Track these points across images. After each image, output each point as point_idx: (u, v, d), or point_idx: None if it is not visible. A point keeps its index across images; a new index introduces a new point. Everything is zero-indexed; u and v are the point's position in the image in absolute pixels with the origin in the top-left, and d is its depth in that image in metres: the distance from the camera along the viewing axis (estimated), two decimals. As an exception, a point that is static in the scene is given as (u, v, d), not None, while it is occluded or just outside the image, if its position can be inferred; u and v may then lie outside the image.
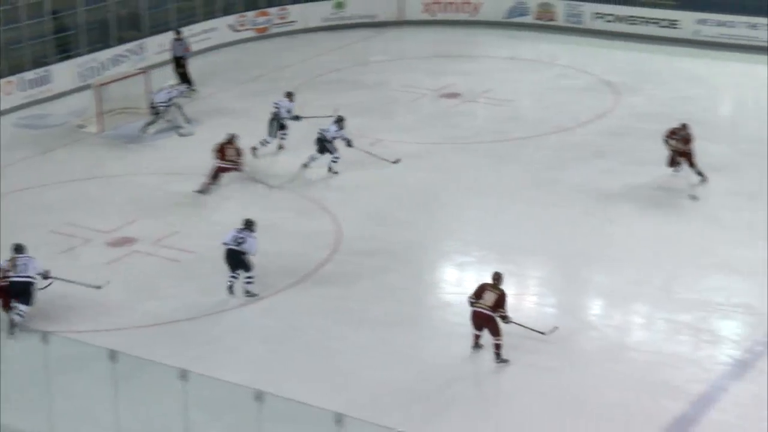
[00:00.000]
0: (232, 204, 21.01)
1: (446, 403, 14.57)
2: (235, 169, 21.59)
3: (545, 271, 18.09)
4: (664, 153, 21.48)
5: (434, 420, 13.98)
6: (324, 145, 22.18)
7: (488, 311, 15.35)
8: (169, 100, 24.73)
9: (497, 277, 15.64)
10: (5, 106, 26.14)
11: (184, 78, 27.58)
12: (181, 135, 24.65)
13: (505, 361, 15.34)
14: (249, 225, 17.55)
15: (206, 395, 13.16)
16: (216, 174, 21.44)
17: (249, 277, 17.42)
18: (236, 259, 17.35)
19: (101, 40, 29.31)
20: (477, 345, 15.68)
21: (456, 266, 18.85)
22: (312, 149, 22.16)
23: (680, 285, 17.45)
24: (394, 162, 22.61)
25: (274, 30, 33.06)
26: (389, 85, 28.27)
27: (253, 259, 17.32)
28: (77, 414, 13.76)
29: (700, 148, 21.41)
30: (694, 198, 20.60)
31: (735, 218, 19.79)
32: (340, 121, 22.34)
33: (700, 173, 21.21)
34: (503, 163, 22.83)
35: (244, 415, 12.62)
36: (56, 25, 28.12)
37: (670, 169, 21.32)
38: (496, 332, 15.41)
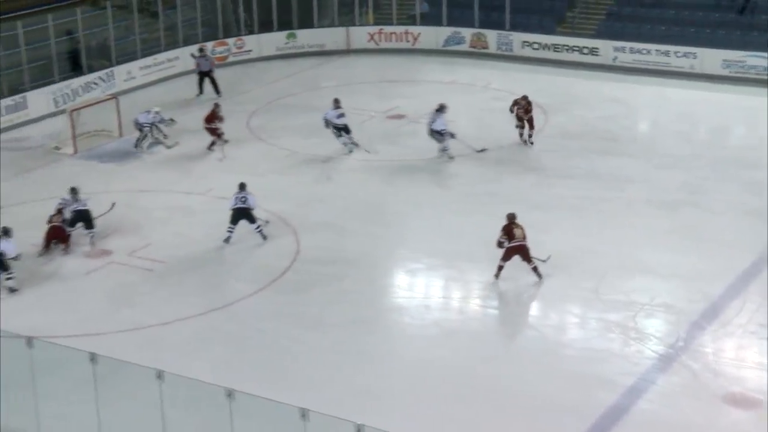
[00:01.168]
0: (197, 218, 20.85)
1: (398, 399, 14.57)
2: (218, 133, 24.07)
3: (486, 276, 18.16)
4: (589, 166, 21.68)
5: (389, 416, 13.89)
6: (436, 136, 23.33)
7: (524, 242, 17.37)
8: (152, 123, 24.60)
9: (513, 216, 17.62)
10: (-17, 129, 25.74)
11: (215, 89, 28.90)
12: (168, 147, 24.71)
13: (541, 276, 17.57)
14: (244, 186, 19.53)
15: (181, 394, 13.00)
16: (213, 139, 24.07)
17: (259, 227, 19.50)
18: (244, 214, 19.33)
19: (73, 69, 28.95)
20: (498, 276, 17.66)
21: (407, 272, 18.81)
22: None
23: (608, 287, 17.58)
24: (480, 151, 23.82)
25: (232, 59, 32.85)
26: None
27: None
28: (61, 413, 13.52)
29: (619, 162, 21.62)
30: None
31: (653, 225, 20.02)
32: (441, 109, 23.42)
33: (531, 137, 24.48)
34: (444, 178, 22.90)
35: (217, 411, 12.50)
36: (31, 56, 27.68)
37: (517, 129, 24.44)
38: (529, 258, 17.43)
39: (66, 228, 19.42)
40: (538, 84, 29.46)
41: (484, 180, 22.58)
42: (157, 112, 24.91)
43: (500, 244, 17.53)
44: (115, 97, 26.62)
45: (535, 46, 32.32)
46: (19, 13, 28.71)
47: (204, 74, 29.28)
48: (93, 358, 12.90)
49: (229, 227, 19.44)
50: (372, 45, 34.08)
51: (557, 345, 16.02)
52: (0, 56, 27.03)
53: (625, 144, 24.70)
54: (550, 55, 32.02)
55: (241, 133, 25.86)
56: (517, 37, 32.56)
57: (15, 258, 17.96)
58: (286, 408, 11.92)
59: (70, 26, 28.92)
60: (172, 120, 25.36)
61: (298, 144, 24.64)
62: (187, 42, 31.92)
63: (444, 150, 23.56)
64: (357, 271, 18.54)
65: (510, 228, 17.51)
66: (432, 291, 18.18)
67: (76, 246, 19.45)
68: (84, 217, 19.59)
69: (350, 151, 24.19)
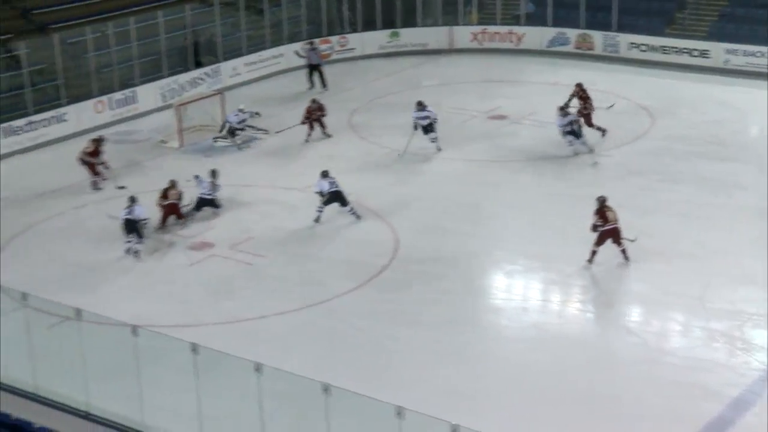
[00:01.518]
0: (298, 213, 21.06)
1: (493, 401, 14.47)
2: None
3: (586, 280, 17.90)
4: (696, 171, 21.21)
5: (482, 417, 13.78)
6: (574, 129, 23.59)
7: (617, 224, 17.67)
8: (241, 122, 24.96)
9: (604, 199, 17.96)
10: (96, 123, 26.39)
11: (322, 82, 29.36)
12: (240, 149, 24.89)
13: (629, 259, 17.87)
14: (326, 174, 20.40)
15: (278, 387, 13.13)
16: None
17: (352, 208, 20.35)
18: (337, 197, 20.14)
19: (181, 65, 29.54)
20: (592, 261, 17.85)
21: (505, 273, 18.70)
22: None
23: (713, 295, 17.15)
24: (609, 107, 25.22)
25: (335, 56, 33.10)
26: (441, 107, 28.14)
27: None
28: (163, 400, 13.79)
29: (727, 167, 21.08)
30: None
31: (761, 234, 19.41)
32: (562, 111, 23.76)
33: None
34: (546, 180, 22.65)
35: (313, 406, 12.60)
36: (141, 51, 28.36)
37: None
38: (620, 240, 17.71)
39: (181, 206, 20.43)
40: (644, 86, 28.96)
41: (587, 183, 22.23)
42: (240, 110, 25.22)
43: (594, 228, 17.72)
44: (220, 92, 27.08)
45: (643, 47, 31.73)
46: (131, 9, 29.52)
47: (313, 67, 29.68)
48: (194, 348, 13.12)
49: (319, 207, 20.15)
50: (475, 45, 33.93)
51: (659, 352, 15.69)
52: (113, 51, 27.68)
53: (735, 149, 24.05)
54: (658, 57, 31.41)
55: (342, 131, 26.04)
56: (624, 39, 32.02)
57: (144, 221, 19.24)
58: (382, 405, 11.93)
59: (179, 23, 29.50)
60: (257, 113, 25.65)
61: (398, 142, 24.66)
62: (292, 39, 32.30)
63: (574, 145, 23.63)
64: (455, 271, 18.48)
65: (603, 211, 17.77)
66: (530, 293, 18.01)
67: (181, 238, 19.82)
68: (209, 203, 20.76)
69: (438, 149, 24.11)
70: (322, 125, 25.38)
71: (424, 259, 18.93)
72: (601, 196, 18.03)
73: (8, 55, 26.06)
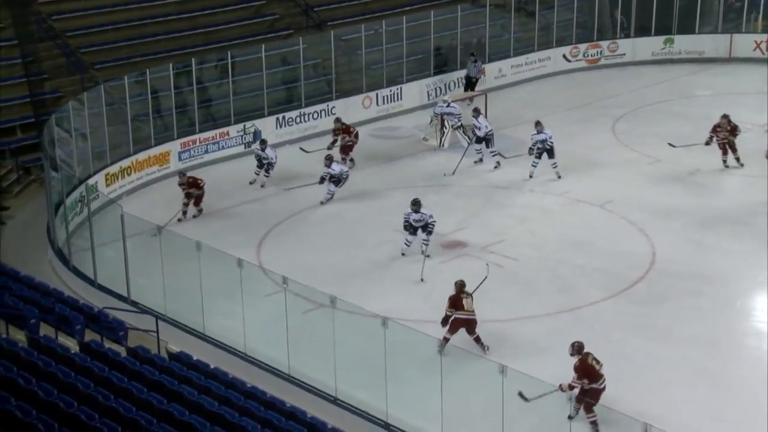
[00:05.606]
0: (554, 219, 21.00)
1: (745, 428, 13.89)
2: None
3: None
4: None
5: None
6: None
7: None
8: (440, 114, 25.18)
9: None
10: (363, 117, 27.41)
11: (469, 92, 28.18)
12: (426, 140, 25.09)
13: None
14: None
15: (521, 389, 13.20)
16: None
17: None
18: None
19: (446, 64, 30.07)
20: None
21: (769, 295, 17.89)
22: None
23: None
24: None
25: (604, 62, 32.62)
26: (713, 118, 27.11)
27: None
28: (406, 394, 14.19)
29: None
30: None
31: None
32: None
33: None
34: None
35: (556, 410, 12.65)
36: (410, 50, 29.10)
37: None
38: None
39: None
40: None
41: None
42: (446, 101, 25.32)
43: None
44: (484, 93, 27.37)
45: None
46: (405, 8, 30.44)
47: (469, 79, 28.99)
48: (439, 345, 13.44)
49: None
50: (757, 54, 32.39)
51: None
52: (384, 49, 28.54)
53: None
54: None
55: (604, 138, 25.65)
56: None
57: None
58: (626, 420, 11.80)
59: (450, 23, 30.04)
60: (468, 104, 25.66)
61: (663, 153, 24.00)
62: (560, 43, 32.17)
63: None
64: (713, 288, 17.86)
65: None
66: (796, 319, 17.09)
67: (434, 235, 20.21)
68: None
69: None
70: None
71: (683, 274, 18.38)
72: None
73: (287, 50, 27.52)
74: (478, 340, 15.77)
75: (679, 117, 27.12)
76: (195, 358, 14.52)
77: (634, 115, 27.67)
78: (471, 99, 26.91)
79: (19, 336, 14.06)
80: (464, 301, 15.69)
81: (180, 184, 21.43)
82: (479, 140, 23.81)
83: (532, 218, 21.21)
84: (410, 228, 19.19)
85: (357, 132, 24.30)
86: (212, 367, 14.27)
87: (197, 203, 21.54)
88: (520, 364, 13.95)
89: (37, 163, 23.27)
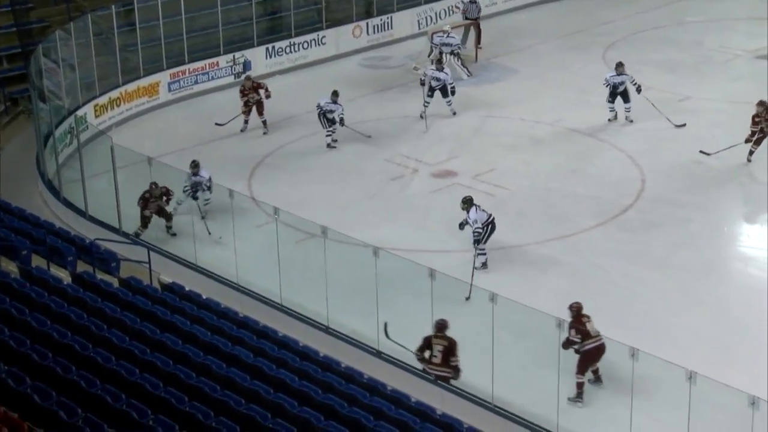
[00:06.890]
0: (544, 148, 20.94)
1: (744, 353, 14.02)
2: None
3: None
4: None
5: (729, 367, 13.38)
6: None
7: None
8: (439, 45, 24.71)
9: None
10: (353, 47, 27.16)
11: (477, 40, 26.86)
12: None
13: None
14: None
15: (512, 318, 13.29)
16: None
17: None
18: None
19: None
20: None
21: (760, 223, 17.92)
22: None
23: None
24: (679, 126, 21.46)
25: (598, -13, 32.21)
26: (704, 45, 27.00)
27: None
28: (399, 322, 14.26)
29: None
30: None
31: None
32: None
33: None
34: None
35: (545, 338, 12.76)
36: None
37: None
38: None
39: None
40: None
41: None
42: (445, 32, 24.87)
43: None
44: (475, 21, 27.06)
45: None
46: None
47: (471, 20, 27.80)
48: (432, 273, 13.47)
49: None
50: (756, -22, 31.94)
51: None
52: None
53: None
54: None
55: (597, 67, 25.46)
56: None
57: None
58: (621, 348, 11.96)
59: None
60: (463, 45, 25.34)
61: (655, 80, 23.83)
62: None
63: None
64: (705, 214, 17.92)
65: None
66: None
67: (425, 165, 20.15)
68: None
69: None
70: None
71: (673, 201, 18.44)
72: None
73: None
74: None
75: (672, 43, 26.93)
76: (187, 289, 14.56)
77: (627, 42, 27.44)
78: (467, 29, 26.65)
79: (11, 267, 14.05)
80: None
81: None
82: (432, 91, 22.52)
83: (522, 147, 21.13)
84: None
85: (267, 87, 22.02)
86: (205, 297, 14.32)
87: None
88: (511, 291, 14.02)
89: (24, 95, 23.00)
